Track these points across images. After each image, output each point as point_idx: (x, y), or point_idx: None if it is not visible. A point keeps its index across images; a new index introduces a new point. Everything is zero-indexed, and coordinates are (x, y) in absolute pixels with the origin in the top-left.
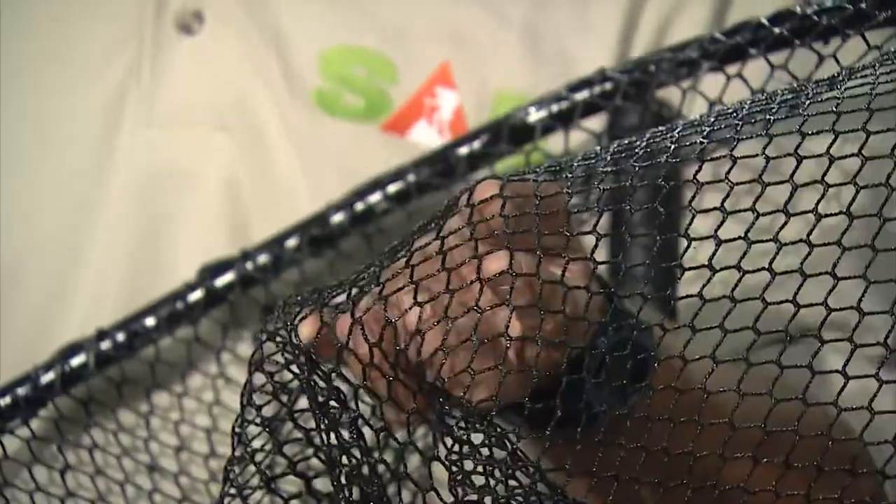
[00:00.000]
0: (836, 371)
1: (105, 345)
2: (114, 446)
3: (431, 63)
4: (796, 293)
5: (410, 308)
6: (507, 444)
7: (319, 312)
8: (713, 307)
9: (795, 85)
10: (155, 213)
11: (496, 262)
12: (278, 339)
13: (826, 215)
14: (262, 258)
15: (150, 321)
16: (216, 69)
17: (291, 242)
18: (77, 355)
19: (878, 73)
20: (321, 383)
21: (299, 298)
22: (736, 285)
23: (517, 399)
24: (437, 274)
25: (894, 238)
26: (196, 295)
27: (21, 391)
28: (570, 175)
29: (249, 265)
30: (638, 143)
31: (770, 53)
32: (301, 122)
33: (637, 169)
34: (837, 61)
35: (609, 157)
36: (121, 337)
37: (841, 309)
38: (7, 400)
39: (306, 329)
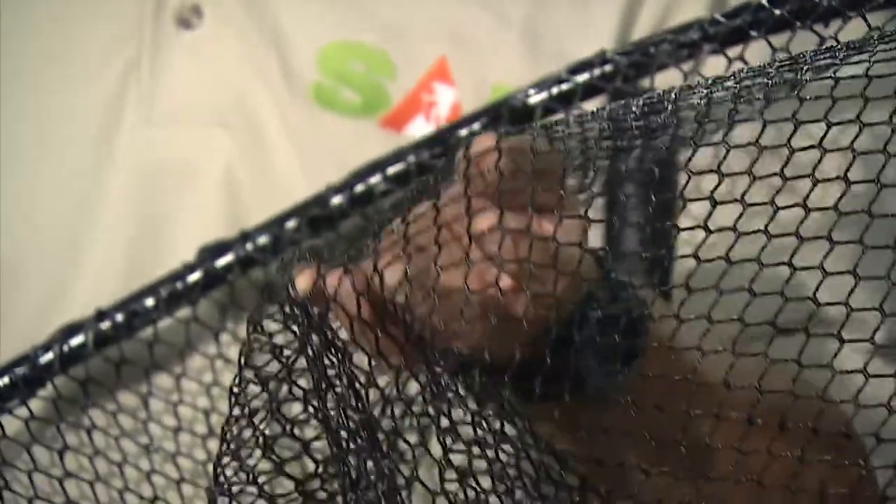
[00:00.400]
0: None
1: (104, 325)
2: (113, 427)
3: (429, 59)
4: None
5: (395, 262)
6: (497, 396)
7: (317, 266)
8: (707, 287)
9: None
10: (154, 210)
11: (485, 221)
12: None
13: (834, 212)
14: (262, 239)
15: (149, 301)
16: (215, 66)
17: (291, 224)
18: (76, 335)
19: (875, 48)
20: (316, 338)
21: (298, 255)
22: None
23: (507, 355)
24: (429, 230)
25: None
26: (195, 276)
27: (19, 371)
28: (567, 133)
29: (249, 246)
30: (636, 108)
31: (771, 35)
32: (299, 119)
33: (635, 142)
34: (838, 42)
35: (607, 119)
36: (120, 317)
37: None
38: (6, 380)
39: (303, 281)
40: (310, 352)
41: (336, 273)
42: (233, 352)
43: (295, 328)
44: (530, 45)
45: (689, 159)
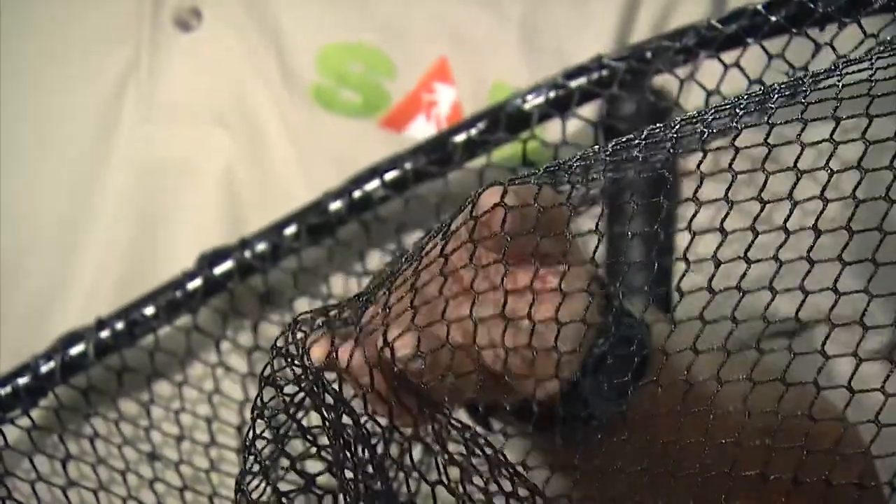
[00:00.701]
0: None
1: (104, 333)
2: (115, 435)
3: (429, 59)
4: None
5: (406, 331)
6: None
7: (331, 334)
8: (707, 301)
9: (793, 77)
10: (153, 209)
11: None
12: (289, 358)
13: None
14: (261, 246)
15: (149, 310)
16: (214, 65)
17: (290, 230)
18: (77, 344)
19: (874, 63)
20: (330, 401)
21: (310, 316)
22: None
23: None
24: (438, 294)
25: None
26: (195, 283)
27: (21, 381)
28: (569, 172)
29: (248, 253)
30: (636, 139)
31: (766, 41)
32: (299, 119)
33: (637, 161)
34: (834, 49)
35: (608, 155)
36: (120, 326)
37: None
38: (7, 389)
39: (318, 351)
40: (324, 417)
41: (348, 345)
42: (233, 360)
43: (306, 387)
44: (530, 44)
45: (700, 163)
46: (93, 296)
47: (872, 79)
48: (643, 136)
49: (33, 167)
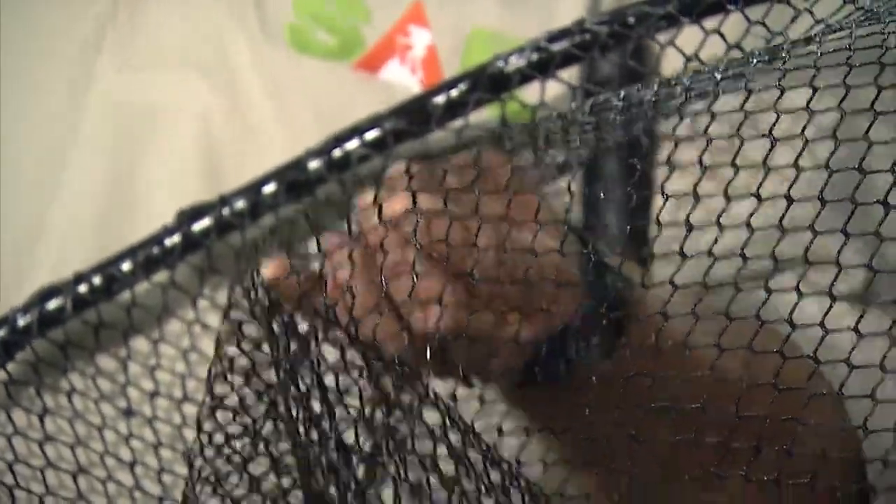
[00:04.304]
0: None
1: (82, 288)
2: (92, 390)
3: (405, 1)
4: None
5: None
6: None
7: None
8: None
9: (772, 44)
10: (129, 154)
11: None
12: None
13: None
14: (239, 203)
15: (126, 265)
16: (190, 9)
17: (269, 188)
18: (54, 298)
19: (854, 33)
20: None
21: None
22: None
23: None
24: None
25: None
26: (173, 240)
27: None
28: (545, 130)
29: (226, 211)
30: (613, 102)
31: (748, 8)
32: (274, 62)
33: (615, 123)
34: (812, 14)
35: (587, 113)
36: (97, 280)
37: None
38: None
39: (271, 271)
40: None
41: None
42: (210, 317)
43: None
44: None
45: (675, 128)
46: (68, 242)
47: (851, 47)
48: (621, 98)
49: (9, 114)
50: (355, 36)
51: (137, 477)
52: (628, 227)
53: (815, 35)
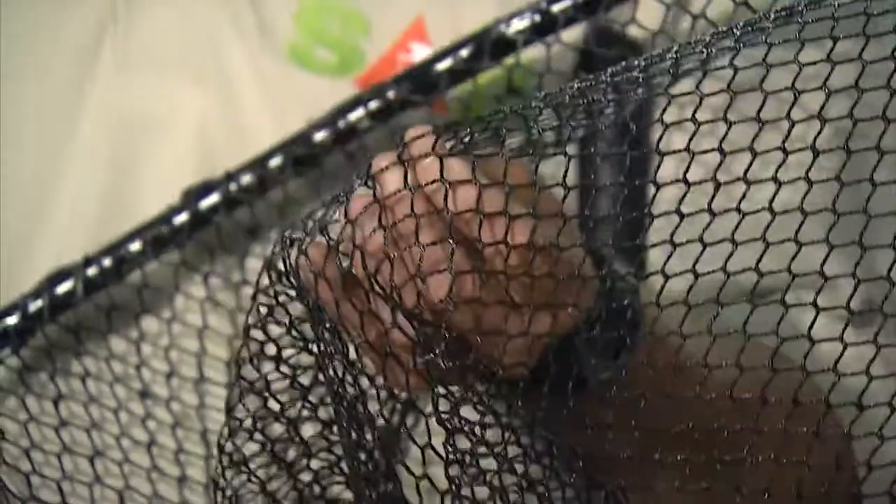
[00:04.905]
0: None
1: (92, 270)
2: (106, 373)
3: (406, 19)
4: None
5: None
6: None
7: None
8: (683, 252)
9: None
10: (126, 159)
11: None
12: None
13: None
14: (246, 179)
15: (135, 245)
16: (191, 18)
17: (275, 162)
18: (64, 282)
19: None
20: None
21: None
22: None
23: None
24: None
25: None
26: (181, 218)
27: (9, 320)
28: (538, 113)
29: (233, 186)
30: (603, 80)
31: None
32: (273, 76)
33: (605, 107)
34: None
35: (574, 94)
36: (107, 262)
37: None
38: None
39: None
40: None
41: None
42: (221, 295)
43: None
44: (506, 4)
45: (663, 111)
46: (64, 245)
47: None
48: (610, 76)
49: (7, 116)
50: (356, 52)
51: (154, 457)
52: (623, 219)
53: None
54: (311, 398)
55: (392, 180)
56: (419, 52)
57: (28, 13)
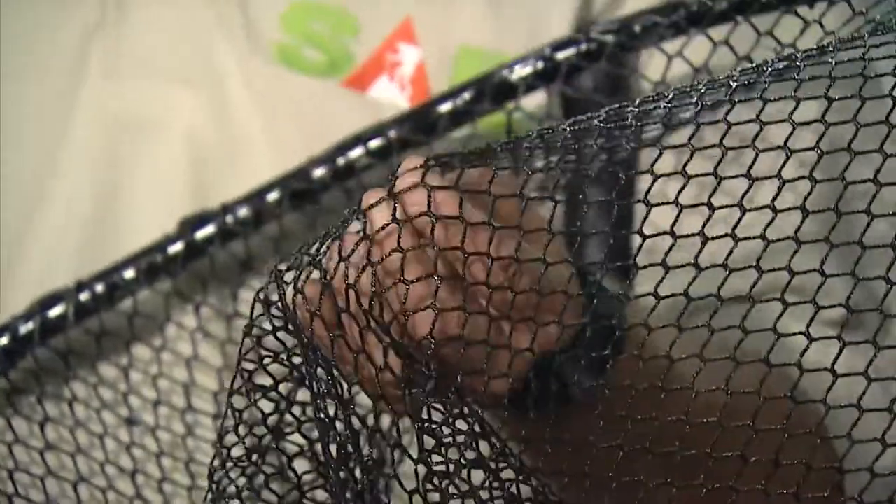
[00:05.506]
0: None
1: (84, 296)
2: (94, 399)
3: (394, 19)
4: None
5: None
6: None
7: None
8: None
9: (783, 54)
10: (117, 164)
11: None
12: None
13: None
14: (243, 211)
15: (129, 273)
16: (179, 22)
17: (272, 196)
18: (56, 306)
19: (867, 44)
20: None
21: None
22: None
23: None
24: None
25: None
26: (175, 247)
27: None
28: (528, 149)
29: (230, 218)
30: (595, 123)
31: (756, 16)
32: (262, 77)
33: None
34: (822, 26)
35: (567, 135)
36: (100, 288)
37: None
38: None
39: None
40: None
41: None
42: (212, 326)
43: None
44: (496, 5)
45: (654, 162)
46: (56, 250)
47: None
48: (602, 119)
49: (6, 117)
50: (344, 53)
51: (138, 486)
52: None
53: (828, 45)
54: (304, 430)
55: (381, 216)
56: (407, 54)
57: (15, 19)
